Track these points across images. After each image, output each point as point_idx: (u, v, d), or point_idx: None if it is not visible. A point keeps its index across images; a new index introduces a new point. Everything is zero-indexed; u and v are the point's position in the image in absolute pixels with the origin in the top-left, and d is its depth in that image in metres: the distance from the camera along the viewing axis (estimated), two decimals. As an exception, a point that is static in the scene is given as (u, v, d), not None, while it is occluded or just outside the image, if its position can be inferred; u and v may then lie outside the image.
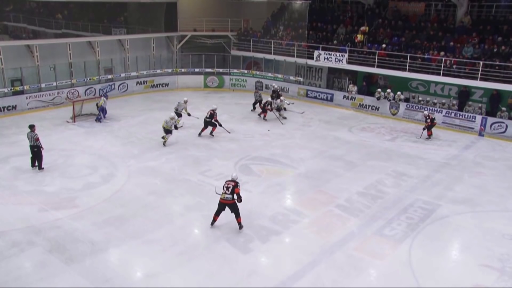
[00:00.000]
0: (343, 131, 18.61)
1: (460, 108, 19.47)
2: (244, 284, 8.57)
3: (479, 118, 18.43)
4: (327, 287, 8.54)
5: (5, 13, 32.24)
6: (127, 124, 18.61)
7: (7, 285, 8.27)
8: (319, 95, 23.45)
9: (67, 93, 21.29)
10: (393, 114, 20.81)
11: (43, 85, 20.86)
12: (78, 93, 21.58)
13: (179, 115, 18.00)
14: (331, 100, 22.93)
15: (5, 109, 19.39)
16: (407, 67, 20.19)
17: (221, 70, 26.10)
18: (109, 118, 19.03)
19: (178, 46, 26.49)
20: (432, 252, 9.78)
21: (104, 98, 19.03)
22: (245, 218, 10.87)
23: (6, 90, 19.81)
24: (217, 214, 10.34)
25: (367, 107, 21.69)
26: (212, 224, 10.44)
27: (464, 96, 19.78)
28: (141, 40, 25.50)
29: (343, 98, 22.55)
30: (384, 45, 21.53)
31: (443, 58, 19.21)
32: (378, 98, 21.11)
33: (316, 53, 23.08)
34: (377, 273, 9.12)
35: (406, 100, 20.91)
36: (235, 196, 10.11)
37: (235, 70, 26.17)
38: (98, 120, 18.62)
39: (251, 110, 21.47)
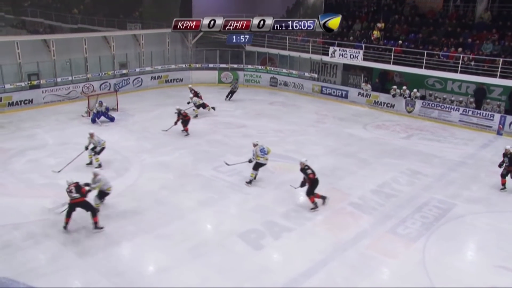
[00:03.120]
0: (357, 128, 18.45)
1: (477, 106, 19.12)
2: (256, 280, 8.54)
3: (497, 116, 18.08)
4: (338, 285, 8.47)
5: (23, 8, 32.72)
6: (141, 119, 18.70)
7: (23, 276, 8.37)
8: (333, 92, 23.25)
9: (82, 87, 21.49)
10: (409, 112, 20.56)
11: (59, 80, 21.09)
12: (93, 87, 21.75)
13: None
14: (346, 97, 22.74)
15: (22, 103, 19.64)
16: (424, 64, 19.90)
17: (235, 65, 26.07)
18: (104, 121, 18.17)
19: (193, 42, 26.50)
20: (446, 251, 9.63)
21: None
22: (258, 214, 10.87)
23: (23, 84, 20.08)
24: (69, 215, 9.82)
25: (382, 104, 21.45)
26: (65, 227, 9.83)
27: (480, 94, 19.43)
28: (156, 35, 25.58)
29: (358, 95, 22.35)
30: (400, 42, 21.26)
31: (461, 55, 18.89)
32: (394, 95, 20.86)
33: (331, 49, 22.89)
34: (389, 272, 9.02)
35: (422, 97, 20.60)
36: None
37: (249, 66, 26.12)
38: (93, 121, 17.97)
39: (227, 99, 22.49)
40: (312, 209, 11.09)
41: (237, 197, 11.83)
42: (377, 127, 18.81)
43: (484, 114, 18.46)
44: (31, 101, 19.90)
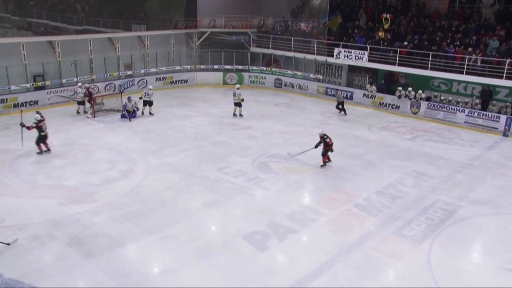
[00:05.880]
0: (362, 129, 18.40)
1: (483, 107, 19.03)
2: (261, 281, 8.51)
3: (503, 118, 17.98)
4: (344, 286, 8.44)
5: (29, 10, 32.90)
6: (146, 120, 18.73)
7: (28, 277, 8.37)
8: (338, 93, 23.21)
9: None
10: (414, 113, 20.49)
11: (64, 81, 21.16)
12: (98, 88, 21.81)
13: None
14: (351, 98, 22.68)
15: (27, 104, 19.70)
16: (429, 65, 19.83)
17: (240, 67, 26.07)
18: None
19: (198, 43, 26.56)
20: (452, 254, 9.57)
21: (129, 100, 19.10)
22: (263, 215, 10.86)
23: (28, 85, 20.16)
24: None
25: (388, 105, 21.40)
26: None
27: (487, 96, 19.34)
28: (161, 36, 25.65)
29: (363, 96, 22.30)
30: (406, 43, 21.19)
31: (467, 57, 18.79)
32: (399, 97, 20.80)
33: (336, 50, 22.86)
34: (395, 274, 8.97)
35: (428, 99, 20.53)
36: None
37: (254, 67, 26.12)
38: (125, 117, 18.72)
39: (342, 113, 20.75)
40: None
41: (242, 199, 11.81)
42: (382, 128, 18.75)
43: (489, 116, 18.37)
44: (36, 102, 19.98)
